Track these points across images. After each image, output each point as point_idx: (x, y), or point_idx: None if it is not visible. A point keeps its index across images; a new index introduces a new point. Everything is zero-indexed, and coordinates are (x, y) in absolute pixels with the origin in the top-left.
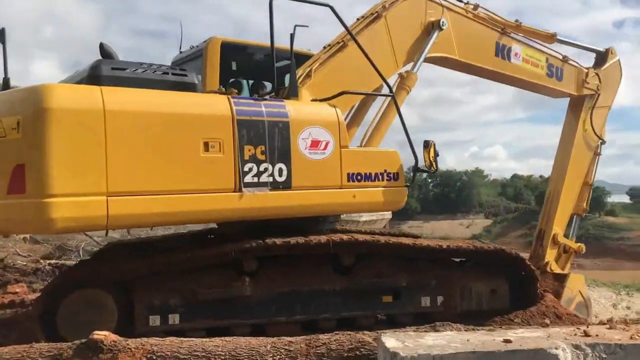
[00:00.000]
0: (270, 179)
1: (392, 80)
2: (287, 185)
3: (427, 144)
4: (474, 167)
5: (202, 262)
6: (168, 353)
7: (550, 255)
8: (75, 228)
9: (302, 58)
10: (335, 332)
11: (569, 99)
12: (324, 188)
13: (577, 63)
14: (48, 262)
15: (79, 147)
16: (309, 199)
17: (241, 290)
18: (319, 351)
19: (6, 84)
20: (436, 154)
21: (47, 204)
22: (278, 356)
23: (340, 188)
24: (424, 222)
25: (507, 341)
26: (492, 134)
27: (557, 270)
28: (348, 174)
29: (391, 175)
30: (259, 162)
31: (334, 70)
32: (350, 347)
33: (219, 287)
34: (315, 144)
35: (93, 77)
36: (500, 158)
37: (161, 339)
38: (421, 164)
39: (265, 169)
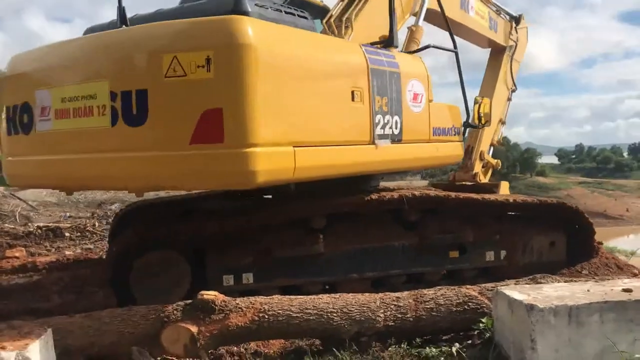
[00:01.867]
0: (390, 132)
1: (402, 33)
2: (399, 138)
3: (477, 101)
4: None
5: (276, 221)
6: (280, 311)
7: (478, 168)
8: (269, 182)
9: (315, 8)
10: (439, 287)
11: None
12: (419, 142)
13: (505, 15)
14: (38, 225)
15: (274, 91)
16: (412, 152)
17: (314, 248)
18: (427, 306)
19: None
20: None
21: (249, 154)
22: (389, 312)
23: (428, 142)
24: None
25: (627, 290)
26: None
27: (484, 180)
28: (433, 128)
29: (456, 130)
30: (384, 114)
31: (371, 18)
32: (458, 301)
33: (293, 246)
34: (415, 96)
35: (239, 12)
36: None
37: (269, 297)
38: (471, 119)
39: (387, 122)
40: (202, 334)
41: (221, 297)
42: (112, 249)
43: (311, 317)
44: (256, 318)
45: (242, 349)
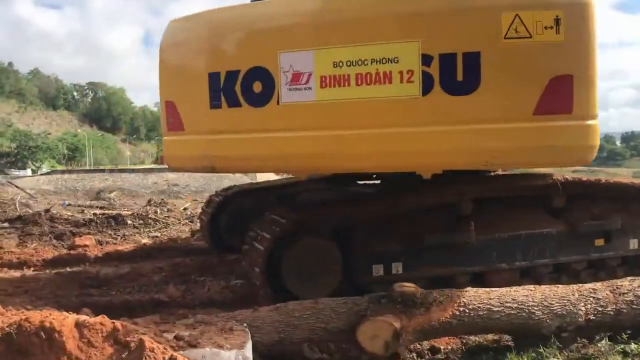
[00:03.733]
0: None
1: None
2: None
3: None
4: None
5: (424, 206)
6: (480, 305)
7: None
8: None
9: None
10: (632, 278)
11: None
12: None
13: None
14: (94, 212)
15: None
16: None
17: (464, 235)
18: (626, 298)
19: None
20: None
21: (593, 127)
22: (589, 304)
23: None
24: None
25: None
26: None
27: None
28: None
29: None
30: None
31: None
32: None
33: (442, 233)
34: None
35: None
36: None
37: (464, 290)
38: None
39: None
40: (405, 329)
41: (419, 289)
42: (263, 234)
43: (512, 312)
44: (457, 312)
45: (417, 345)
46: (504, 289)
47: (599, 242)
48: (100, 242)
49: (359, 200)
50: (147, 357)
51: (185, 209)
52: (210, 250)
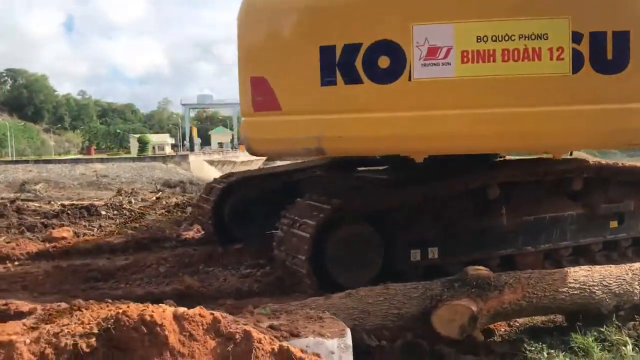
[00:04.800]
0: None
1: None
2: None
3: None
4: None
5: (456, 191)
6: (546, 286)
7: None
8: None
9: None
10: None
11: None
12: None
13: None
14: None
15: None
16: None
17: (495, 220)
18: None
19: None
20: None
21: None
22: None
23: None
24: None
25: None
26: None
27: None
28: None
29: None
30: None
31: None
32: None
33: (476, 217)
34: None
35: None
36: None
37: (528, 271)
38: None
39: None
40: (481, 312)
41: (490, 272)
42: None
43: (575, 292)
44: (526, 294)
45: None
46: (564, 270)
47: (613, 224)
48: (77, 234)
49: (398, 185)
50: (256, 349)
51: (158, 198)
52: (206, 240)
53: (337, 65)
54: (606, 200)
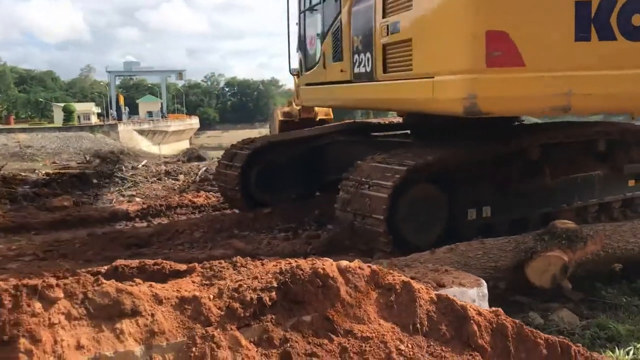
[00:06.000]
0: None
1: None
2: None
3: None
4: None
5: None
6: (619, 237)
7: None
8: None
9: None
10: None
11: None
12: None
13: None
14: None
15: None
16: None
17: (540, 179)
18: None
19: None
20: None
21: None
22: None
23: None
24: (223, 132)
25: None
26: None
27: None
28: None
29: None
30: None
31: None
32: None
33: (522, 177)
34: None
35: None
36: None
37: (600, 224)
38: None
39: None
40: (570, 262)
41: (576, 225)
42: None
43: (636, 245)
44: (604, 245)
45: None
46: (629, 223)
47: (632, 182)
48: (76, 203)
49: (459, 147)
50: (418, 299)
51: (145, 165)
52: (220, 206)
53: (592, 20)
54: (629, 161)
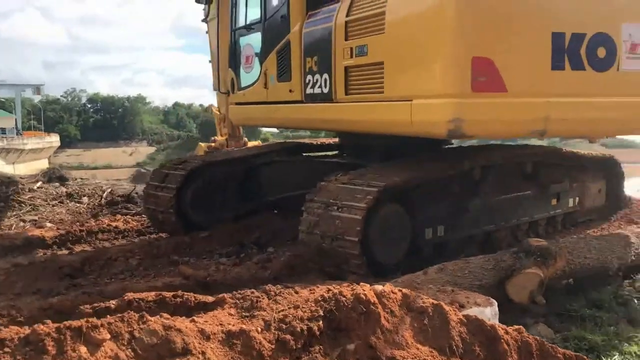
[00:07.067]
0: None
1: None
2: None
3: None
4: (135, 94)
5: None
6: (579, 253)
7: None
8: None
9: None
10: None
11: None
12: None
13: None
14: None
15: None
16: None
17: (482, 199)
18: None
19: None
20: None
21: None
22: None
23: None
24: (84, 150)
25: None
26: (145, 60)
27: None
28: None
29: None
30: None
31: None
32: None
33: (467, 197)
34: None
35: None
36: (154, 85)
37: (565, 239)
38: None
39: None
40: (545, 278)
41: (546, 242)
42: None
43: (593, 257)
44: (568, 260)
45: None
46: (582, 240)
47: (554, 201)
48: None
49: (421, 166)
50: (450, 322)
51: (40, 187)
52: (147, 230)
53: (566, 51)
54: (553, 181)
